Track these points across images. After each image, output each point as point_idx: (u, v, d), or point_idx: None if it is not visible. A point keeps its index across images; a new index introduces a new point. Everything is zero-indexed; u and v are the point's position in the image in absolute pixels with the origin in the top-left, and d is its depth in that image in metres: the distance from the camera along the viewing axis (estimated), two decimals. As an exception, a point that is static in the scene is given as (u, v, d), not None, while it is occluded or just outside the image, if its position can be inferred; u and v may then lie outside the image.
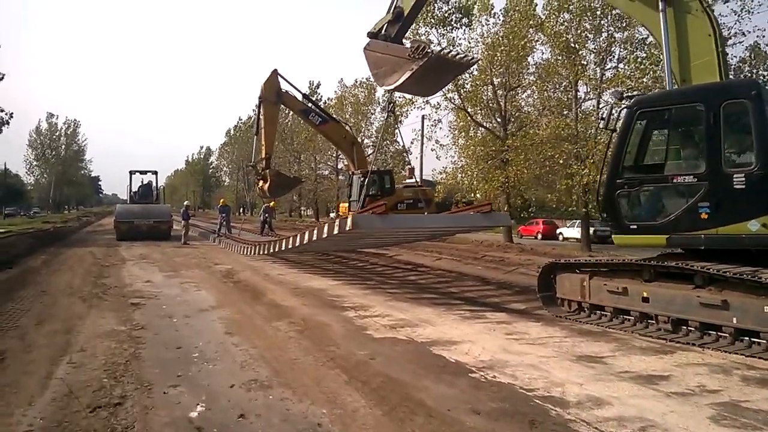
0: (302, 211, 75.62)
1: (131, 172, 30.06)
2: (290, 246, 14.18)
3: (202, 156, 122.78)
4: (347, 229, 10.36)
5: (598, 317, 8.83)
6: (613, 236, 8.45)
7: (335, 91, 53.14)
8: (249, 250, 19.35)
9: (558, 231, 39.98)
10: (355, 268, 17.07)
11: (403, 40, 11.86)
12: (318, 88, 63.33)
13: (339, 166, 55.60)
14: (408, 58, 10.94)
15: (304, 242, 13.03)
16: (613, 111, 8.02)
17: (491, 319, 9.02)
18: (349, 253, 19.98)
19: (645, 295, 8.01)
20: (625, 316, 8.44)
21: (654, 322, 7.94)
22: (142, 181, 31.13)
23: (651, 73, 22.17)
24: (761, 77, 23.46)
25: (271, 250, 16.03)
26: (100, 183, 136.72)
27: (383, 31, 11.92)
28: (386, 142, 51.58)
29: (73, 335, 7.82)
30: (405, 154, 51.33)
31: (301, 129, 58.12)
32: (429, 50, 10.68)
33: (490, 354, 6.77)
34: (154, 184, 31.45)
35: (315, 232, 12.19)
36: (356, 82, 52.14)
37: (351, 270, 16.43)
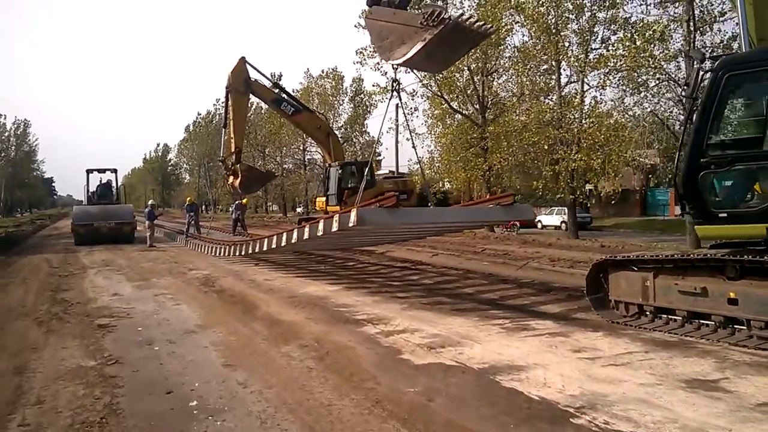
0: (269, 207, 73.40)
1: (88, 171, 27.72)
2: (276, 245, 12.51)
3: (159, 153, 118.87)
4: (350, 225, 8.78)
5: (665, 322, 7.48)
6: (696, 227, 7.05)
7: (301, 83, 51.06)
8: (224, 250, 17.55)
9: (537, 219, 39.03)
10: (346, 268, 15.46)
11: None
12: (280, 80, 61.03)
13: (307, 159, 53.79)
14: (420, 26, 9.35)
15: (293, 241, 11.41)
16: (700, 76, 6.43)
17: (540, 330, 7.56)
18: (333, 251, 18.31)
19: (732, 296, 6.64)
20: (702, 321, 7.10)
21: (744, 327, 6.61)
22: (100, 181, 28.82)
23: (643, 53, 21.09)
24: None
25: (254, 250, 14.31)
26: (54, 185, 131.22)
27: (386, -3, 10.32)
28: (355, 133, 50.18)
29: (26, 377, 6.06)
30: (375, 145, 50.13)
31: (265, 122, 56.05)
32: (446, 16, 9.10)
33: (576, 384, 5.29)
34: (113, 183, 29.15)
35: (307, 229, 10.58)
36: (323, 72, 50.25)
37: (343, 271, 14.80)
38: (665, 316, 7.52)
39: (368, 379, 5.63)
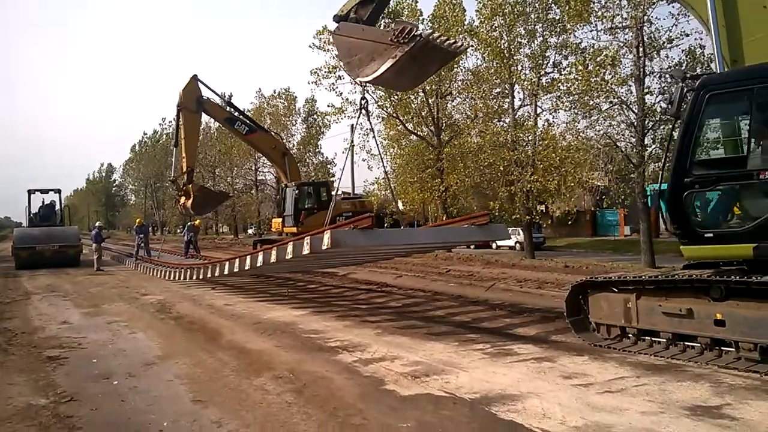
0: (219, 229, 71.75)
1: (30, 191, 26.33)
2: (239, 269, 11.93)
3: (103, 174, 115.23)
4: (324, 248, 8.37)
5: (649, 345, 7.33)
6: (681, 247, 6.93)
7: (252, 102, 50.29)
8: (179, 274, 16.76)
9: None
10: (309, 291, 14.95)
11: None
12: (230, 99, 60.25)
13: (259, 179, 52.86)
14: (390, 43, 9.09)
15: (258, 264, 10.87)
16: (685, 94, 6.36)
17: (524, 355, 7.29)
18: (294, 273, 17.74)
19: (719, 317, 6.54)
20: (687, 343, 6.98)
21: (732, 349, 6.51)
22: (43, 202, 27.39)
23: (596, 77, 21.53)
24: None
25: (213, 274, 13.63)
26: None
27: (353, 14, 10.04)
28: (309, 154, 49.66)
29: (-31, 421, 5.40)
30: (329, 166, 49.77)
31: (214, 142, 54.98)
32: (417, 33, 8.88)
33: (577, 414, 5.01)
34: (57, 204, 27.76)
35: (275, 252, 10.07)
36: (275, 92, 49.73)
37: (306, 294, 14.30)
38: (648, 338, 7.38)
39: (354, 414, 5.22)
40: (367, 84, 11.01)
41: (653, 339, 7.30)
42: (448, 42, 9.51)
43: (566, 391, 5.70)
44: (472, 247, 31.20)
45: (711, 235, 6.55)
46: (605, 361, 6.91)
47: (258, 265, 10.95)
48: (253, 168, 52.11)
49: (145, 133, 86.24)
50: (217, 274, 13.31)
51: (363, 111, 11.82)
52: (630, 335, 7.56)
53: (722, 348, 6.61)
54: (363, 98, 11.94)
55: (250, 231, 66.03)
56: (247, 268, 11.52)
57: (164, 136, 78.09)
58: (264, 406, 5.56)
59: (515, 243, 35.85)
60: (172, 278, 17.25)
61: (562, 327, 8.87)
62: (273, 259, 10.06)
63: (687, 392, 5.58)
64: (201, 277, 14.68)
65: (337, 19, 10.09)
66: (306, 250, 8.87)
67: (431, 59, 9.68)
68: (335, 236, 8.33)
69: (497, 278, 14.57)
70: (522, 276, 14.69)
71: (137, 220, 29.09)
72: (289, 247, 9.46)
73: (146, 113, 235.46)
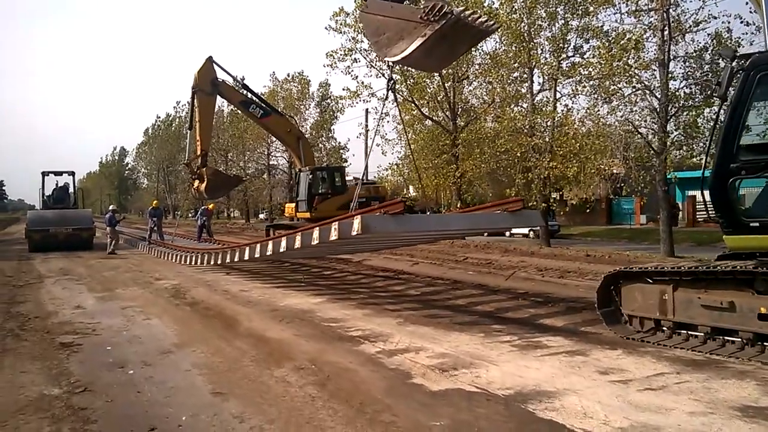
0: (230, 213, 71.76)
1: (44, 174, 26.18)
2: (260, 254, 11.63)
3: (116, 157, 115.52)
4: (354, 233, 8.06)
5: (685, 339, 7.00)
6: (724, 237, 6.58)
7: (266, 86, 49.93)
8: (195, 259, 16.52)
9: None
10: (324, 278, 14.69)
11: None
12: (238, 81, 59.94)
13: (271, 164, 52.60)
14: (420, 21, 8.72)
15: (281, 250, 10.58)
16: (734, 74, 5.98)
17: (554, 348, 6.99)
18: (308, 259, 17.48)
19: (763, 311, 6.19)
20: (726, 338, 6.64)
21: (776, 345, 6.17)
22: (56, 184, 27.24)
23: (618, 61, 20.96)
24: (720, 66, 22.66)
25: (232, 259, 13.37)
26: (4, 188, 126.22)
27: (383, -10, 9.65)
28: (322, 138, 49.31)
29: (-20, 411, 5.19)
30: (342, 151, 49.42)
31: (227, 126, 54.79)
32: (448, 11, 8.49)
33: (621, 414, 4.71)
34: (70, 186, 27.63)
35: (298, 238, 9.79)
36: (289, 76, 49.31)
37: (322, 281, 14.04)
38: (684, 331, 7.05)
39: (383, 410, 4.95)
40: (395, 64, 10.62)
41: (690, 333, 6.98)
42: (479, 20, 9.10)
43: (605, 388, 5.40)
44: (485, 234, 30.81)
45: (757, 224, 6.18)
46: (641, 355, 6.59)
47: (281, 250, 10.64)
48: (266, 152, 51.84)
49: (158, 117, 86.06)
50: (236, 258, 13.05)
51: (392, 92, 11.45)
52: (665, 328, 7.23)
53: (765, 344, 6.28)
54: (391, 78, 11.56)
55: (261, 216, 65.99)
56: (269, 253, 11.20)
57: (177, 119, 78.05)
58: (287, 400, 5.30)
59: (529, 230, 35.43)
60: (187, 262, 17.04)
61: (591, 318, 8.58)
62: (297, 244, 9.77)
63: (734, 391, 5.27)
64: (219, 261, 14.42)
65: (368, -5, 9.72)
66: (334, 236, 8.56)
67: (461, 38, 9.29)
68: (366, 221, 8.00)
69: (517, 267, 14.24)
70: (542, 265, 14.35)
71: (153, 202, 28.92)
72: (316, 233, 9.15)
73: (161, 96, 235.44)
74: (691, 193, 37.54)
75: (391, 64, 10.67)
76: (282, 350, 7.13)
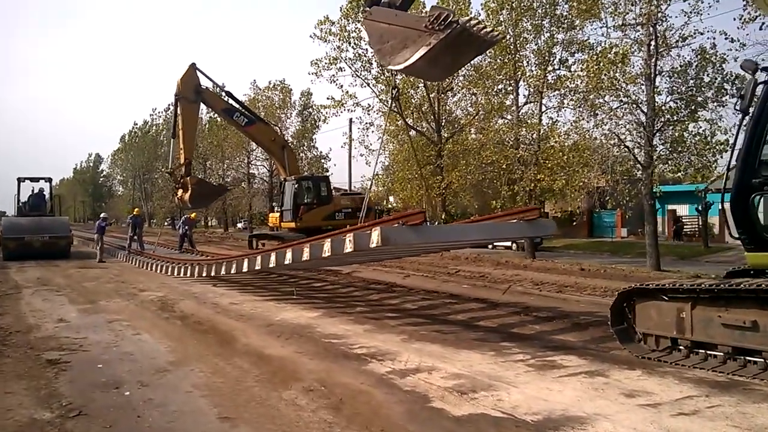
0: (209, 222, 70.77)
1: (20, 179, 25.36)
2: (262, 266, 11.22)
3: (91, 164, 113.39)
4: (372, 245, 7.72)
5: (704, 359, 6.79)
6: (746, 254, 6.40)
7: (246, 94, 49.32)
8: (183, 270, 15.99)
9: (488, 238, 38.61)
10: (315, 290, 14.30)
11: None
12: (222, 89, 59.21)
13: (251, 173, 51.94)
14: (425, 30, 8.47)
15: (286, 261, 10.17)
16: (755, 87, 5.82)
17: (571, 368, 6.73)
18: (296, 271, 17.04)
19: (789, 331, 6.01)
20: (749, 358, 6.45)
21: (803, 367, 5.98)
22: (32, 190, 26.44)
23: (605, 74, 21.01)
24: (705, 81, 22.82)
25: (228, 271, 12.94)
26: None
27: (386, -2, 9.39)
28: (303, 148, 48.88)
29: (-35, 439, 4.75)
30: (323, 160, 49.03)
31: (205, 134, 54.04)
32: (454, 20, 8.26)
33: (662, 443, 4.45)
34: (47, 193, 26.83)
35: (306, 249, 9.40)
36: (270, 84, 48.86)
37: (314, 293, 13.65)
38: (702, 351, 6.85)
39: (408, 439, 4.63)
40: (398, 73, 10.40)
41: (708, 353, 6.78)
42: (485, 30, 8.89)
43: (635, 413, 5.14)
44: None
45: (782, 241, 6.01)
46: (662, 376, 6.36)
47: (287, 262, 10.23)
48: (246, 161, 51.22)
49: (135, 123, 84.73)
50: (234, 271, 12.62)
51: (394, 100, 11.17)
52: (682, 347, 7.03)
53: (791, 366, 6.09)
54: (395, 87, 11.26)
55: (239, 225, 65.24)
56: (272, 265, 10.80)
57: (154, 126, 76.96)
58: (302, 427, 4.94)
59: (512, 243, 35.36)
60: (173, 273, 16.51)
61: (599, 335, 8.41)
62: (306, 256, 9.40)
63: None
64: (214, 273, 13.95)
65: (369, 2, 9.45)
66: (349, 248, 8.22)
67: (466, 48, 9.06)
68: (386, 233, 7.66)
69: (512, 280, 14.01)
70: (537, 278, 14.14)
71: (135, 210, 28.21)
72: (327, 245, 8.79)
73: (137, 104, 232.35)
74: (671, 207, 37.99)
75: (394, 72, 10.42)
76: (286, 369, 6.76)
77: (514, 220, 10.11)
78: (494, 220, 11.02)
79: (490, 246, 36.55)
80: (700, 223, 34.03)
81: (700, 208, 31.83)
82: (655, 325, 7.25)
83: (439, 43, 8.37)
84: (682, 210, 38.51)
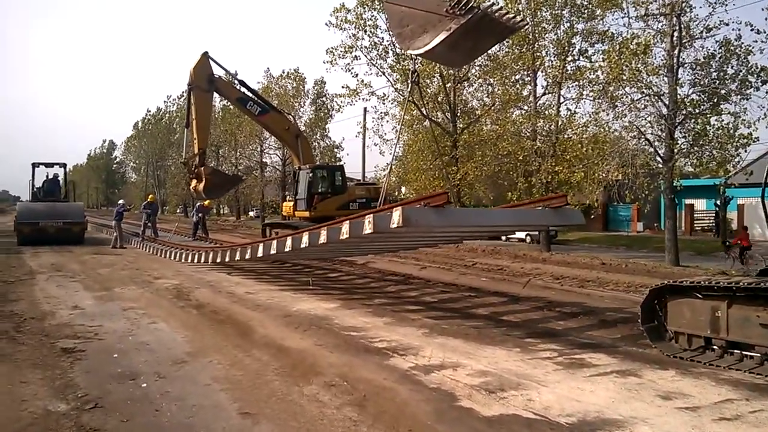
0: (221, 210, 70.85)
1: (34, 165, 25.28)
2: (277, 251, 10.98)
3: (104, 150, 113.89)
4: (393, 226, 7.48)
5: (739, 359, 6.53)
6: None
7: (259, 82, 49.08)
8: (198, 257, 15.85)
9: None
10: (332, 280, 14.12)
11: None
12: (235, 78, 59.07)
13: (263, 161, 51.82)
14: (445, 14, 8.22)
15: (302, 246, 9.94)
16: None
17: (601, 367, 6.49)
18: (310, 260, 16.86)
19: (832, 333, 5.75)
20: (787, 360, 6.18)
21: None
22: (47, 176, 26.36)
23: (627, 65, 20.57)
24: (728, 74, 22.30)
25: (243, 257, 12.73)
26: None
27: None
28: (316, 137, 48.66)
29: (-21, 431, 4.61)
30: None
31: (218, 122, 53.90)
32: (475, 5, 8.01)
33: (707, 450, 4.22)
34: (61, 178, 26.80)
35: (324, 233, 9.17)
36: (284, 72, 48.60)
37: (330, 283, 13.47)
38: (737, 352, 6.59)
39: (438, 440, 4.42)
40: (417, 58, 10.17)
41: (744, 353, 6.52)
42: (507, 16, 8.63)
43: (675, 417, 4.91)
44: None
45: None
46: (696, 377, 6.11)
47: (303, 246, 9.97)
48: (259, 149, 51.07)
49: (148, 111, 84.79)
50: (248, 257, 12.38)
51: (414, 84, 10.93)
52: (716, 347, 6.77)
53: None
54: (414, 72, 11.04)
55: (251, 213, 65.26)
56: (287, 250, 10.52)
57: (168, 114, 77.00)
58: (326, 425, 4.75)
59: (526, 235, 35.04)
60: (188, 261, 16.37)
61: (628, 333, 8.18)
62: (323, 239, 9.16)
63: (821, 423, 4.80)
64: (228, 259, 13.74)
65: (390, -15, 9.21)
66: (368, 230, 7.97)
67: (487, 34, 8.83)
68: (407, 214, 7.42)
69: (531, 274, 13.76)
70: (558, 272, 13.88)
71: (149, 197, 28.12)
72: (345, 227, 8.56)
73: (152, 89, 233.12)
74: (688, 201, 37.43)
75: (414, 57, 10.18)
76: (306, 362, 6.57)
77: (540, 207, 9.83)
78: (523, 206, 10.73)
79: (503, 238, 36.33)
80: (720, 218, 33.46)
81: (718, 203, 31.35)
82: (688, 323, 6.99)
83: (459, 28, 8.15)
84: (700, 205, 37.94)
